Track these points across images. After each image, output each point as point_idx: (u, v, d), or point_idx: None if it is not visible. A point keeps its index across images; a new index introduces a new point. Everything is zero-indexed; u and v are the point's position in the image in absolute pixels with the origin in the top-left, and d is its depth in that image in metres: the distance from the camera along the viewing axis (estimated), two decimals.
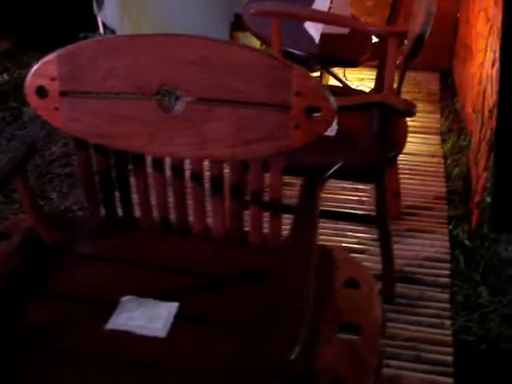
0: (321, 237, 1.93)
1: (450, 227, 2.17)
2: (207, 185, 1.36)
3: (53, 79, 1.29)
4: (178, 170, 1.37)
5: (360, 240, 2.08)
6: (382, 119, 1.49)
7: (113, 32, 3.12)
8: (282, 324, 0.93)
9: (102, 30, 3.31)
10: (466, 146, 2.54)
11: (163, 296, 1.27)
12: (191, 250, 1.41)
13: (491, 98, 2.00)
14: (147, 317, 1.23)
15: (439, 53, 2.93)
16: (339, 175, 1.37)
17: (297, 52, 2.20)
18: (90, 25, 3.31)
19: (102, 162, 1.40)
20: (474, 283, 1.95)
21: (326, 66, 2.42)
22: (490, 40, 2.11)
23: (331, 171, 1.22)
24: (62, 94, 1.30)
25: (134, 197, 1.43)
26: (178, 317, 1.22)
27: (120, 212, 1.45)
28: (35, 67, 1.29)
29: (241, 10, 2.51)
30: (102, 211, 1.46)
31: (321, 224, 1.17)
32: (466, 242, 2.09)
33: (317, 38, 2.25)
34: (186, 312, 1.23)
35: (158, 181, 1.39)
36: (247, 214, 1.38)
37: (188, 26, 3.03)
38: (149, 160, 1.38)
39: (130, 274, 1.35)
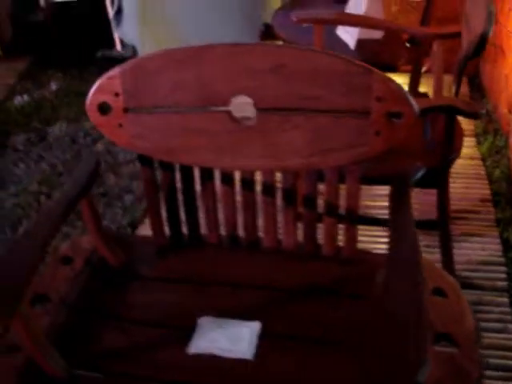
0: (371, 245, 1.90)
1: (500, 230, 2.12)
2: (279, 197, 1.31)
3: (116, 95, 1.24)
4: (248, 183, 1.32)
5: None
6: (447, 123, 1.45)
7: (133, 49, 3.08)
8: (402, 343, 0.87)
9: (119, 46, 3.28)
10: (503, 146, 2.50)
11: (242, 315, 1.22)
12: (263, 266, 1.36)
13: None
14: (230, 338, 1.18)
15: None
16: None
17: None
18: (107, 42, 3.27)
19: (168, 178, 1.35)
20: None
21: None
22: None
23: (416, 177, 1.18)
24: (126, 109, 1.25)
25: (199, 212, 1.38)
26: (262, 336, 1.16)
27: (185, 230, 1.40)
28: (98, 83, 1.24)
29: (270, 20, 2.48)
30: (166, 230, 1.40)
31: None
32: None
33: (352, 44, 2.21)
34: (270, 331, 1.18)
35: (226, 195, 1.34)
36: (320, 226, 1.33)
37: (212, 38, 3.00)
38: (217, 174, 1.33)
39: (203, 294, 1.29)
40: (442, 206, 1.62)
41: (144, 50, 3.06)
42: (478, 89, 2.94)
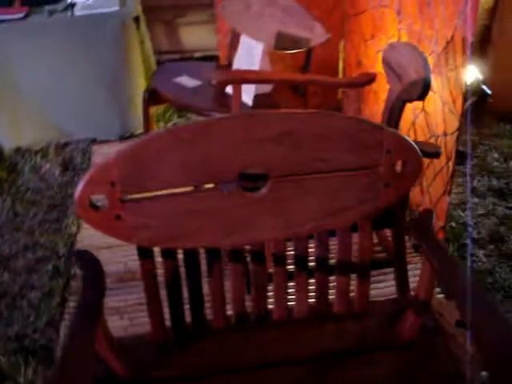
0: None
1: None
2: (290, 264, 1.27)
3: (112, 184, 1.11)
4: (257, 255, 1.25)
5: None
6: None
7: None
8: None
9: None
10: None
11: None
12: (277, 340, 1.30)
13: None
14: None
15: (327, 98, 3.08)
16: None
17: None
18: None
19: (170, 267, 1.23)
20: None
21: None
22: None
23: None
24: (124, 199, 1.13)
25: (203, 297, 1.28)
26: None
27: (188, 319, 1.29)
28: (88, 175, 1.10)
29: (154, 85, 2.41)
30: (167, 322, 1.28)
31: None
32: None
33: (250, 100, 2.24)
34: None
35: (235, 272, 1.26)
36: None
37: (76, 112, 2.88)
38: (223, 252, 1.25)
39: None
40: (398, 244, 1.69)
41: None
42: None
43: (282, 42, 2.39)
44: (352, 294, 1.31)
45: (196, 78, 2.49)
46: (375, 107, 2.70)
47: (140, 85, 2.93)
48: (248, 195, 1.17)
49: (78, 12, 2.76)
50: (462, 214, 2.42)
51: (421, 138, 2.25)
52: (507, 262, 2.17)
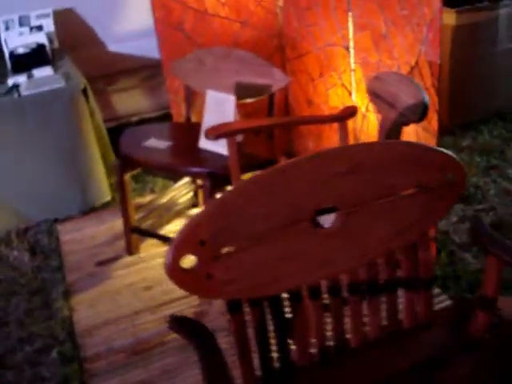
0: None
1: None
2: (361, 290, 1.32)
3: (202, 243, 1.13)
4: (334, 288, 1.30)
5: None
6: None
7: None
8: None
9: None
10: None
11: None
12: (363, 366, 1.33)
13: None
14: None
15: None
16: None
17: (214, 171, 2.21)
18: None
19: (258, 315, 1.24)
20: None
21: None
22: None
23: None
24: (216, 256, 1.14)
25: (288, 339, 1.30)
26: None
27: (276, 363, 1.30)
28: (177, 239, 1.11)
29: (125, 152, 2.41)
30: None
31: None
32: None
33: (225, 151, 2.29)
34: None
35: (316, 309, 1.29)
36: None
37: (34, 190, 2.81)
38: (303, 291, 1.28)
39: None
40: None
41: None
42: None
43: (244, 92, 2.47)
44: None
45: (164, 139, 2.51)
46: (335, 137, 2.84)
47: (95, 156, 2.90)
48: (324, 232, 1.22)
49: (24, 92, 2.71)
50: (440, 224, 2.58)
51: None
52: None
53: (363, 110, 2.51)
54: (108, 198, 3.04)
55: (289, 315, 1.28)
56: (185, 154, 2.39)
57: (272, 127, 2.23)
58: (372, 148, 1.23)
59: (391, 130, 1.80)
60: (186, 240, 1.12)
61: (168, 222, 2.81)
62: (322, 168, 1.19)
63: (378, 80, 1.88)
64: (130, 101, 3.74)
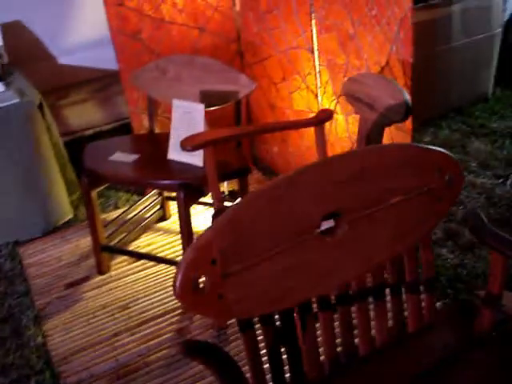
0: None
1: None
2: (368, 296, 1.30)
3: (213, 262, 1.08)
4: (342, 297, 1.27)
5: None
6: None
7: None
8: None
9: None
10: None
11: None
12: (373, 376, 1.31)
13: None
14: None
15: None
16: None
17: (187, 182, 2.15)
18: None
19: (270, 331, 1.20)
20: None
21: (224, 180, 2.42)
22: None
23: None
24: (226, 275, 1.09)
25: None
26: None
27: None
28: (187, 259, 1.06)
29: (91, 168, 2.32)
30: None
31: None
32: None
33: (200, 161, 2.24)
34: None
35: (325, 320, 1.26)
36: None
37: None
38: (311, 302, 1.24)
39: None
40: None
41: None
42: (270, 171, 3.18)
43: (209, 99, 2.42)
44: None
45: (130, 152, 2.43)
46: (300, 141, 2.82)
47: (55, 173, 2.79)
48: (331, 239, 1.19)
49: None
50: None
51: None
52: (471, 252, 2.36)
53: None
54: (70, 215, 2.93)
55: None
56: (154, 167, 2.32)
57: (250, 135, 2.19)
58: (377, 151, 1.21)
59: (372, 131, 1.79)
60: (197, 260, 1.06)
61: (136, 237, 2.73)
62: (326, 176, 1.16)
63: (354, 82, 1.86)
64: (83, 114, 3.63)
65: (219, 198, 1.92)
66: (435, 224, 1.31)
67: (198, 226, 2.78)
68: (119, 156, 2.39)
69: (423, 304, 1.37)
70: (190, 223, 2.23)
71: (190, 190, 2.18)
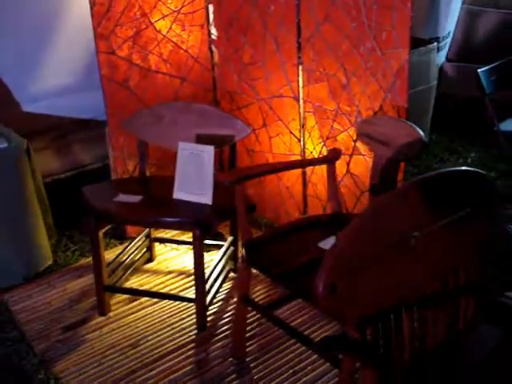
0: None
1: None
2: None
3: (345, 267, 1.25)
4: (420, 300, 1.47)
5: None
6: None
7: None
8: None
9: None
10: None
11: None
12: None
13: None
14: None
15: None
16: None
17: (201, 219, 2.28)
18: None
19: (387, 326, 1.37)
20: None
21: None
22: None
23: None
24: (352, 275, 1.26)
25: None
26: None
27: None
28: (327, 266, 1.22)
29: (98, 208, 2.37)
30: None
31: None
32: None
33: (209, 200, 2.38)
34: None
35: (407, 326, 1.45)
36: None
37: None
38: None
39: None
40: None
41: None
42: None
43: (204, 143, 2.57)
44: None
45: (131, 193, 2.50)
46: (278, 182, 3.02)
47: (38, 218, 2.78)
48: (414, 251, 1.39)
49: None
50: None
51: (348, 196, 2.63)
52: None
53: (315, 154, 2.73)
54: (50, 261, 2.91)
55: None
56: (163, 206, 2.42)
57: (276, 171, 2.38)
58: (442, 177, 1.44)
59: (387, 166, 2.03)
60: (335, 266, 1.23)
61: (127, 279, 2.76)
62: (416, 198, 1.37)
63: (366, 123, 2.11)
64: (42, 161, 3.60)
65: (248, 231, 2.07)
66: (482, 237, 1.56)
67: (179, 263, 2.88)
68: (123, 197, 2.46)
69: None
70: (203, 260, 2.34)
71: (203, 226, 2.30)
